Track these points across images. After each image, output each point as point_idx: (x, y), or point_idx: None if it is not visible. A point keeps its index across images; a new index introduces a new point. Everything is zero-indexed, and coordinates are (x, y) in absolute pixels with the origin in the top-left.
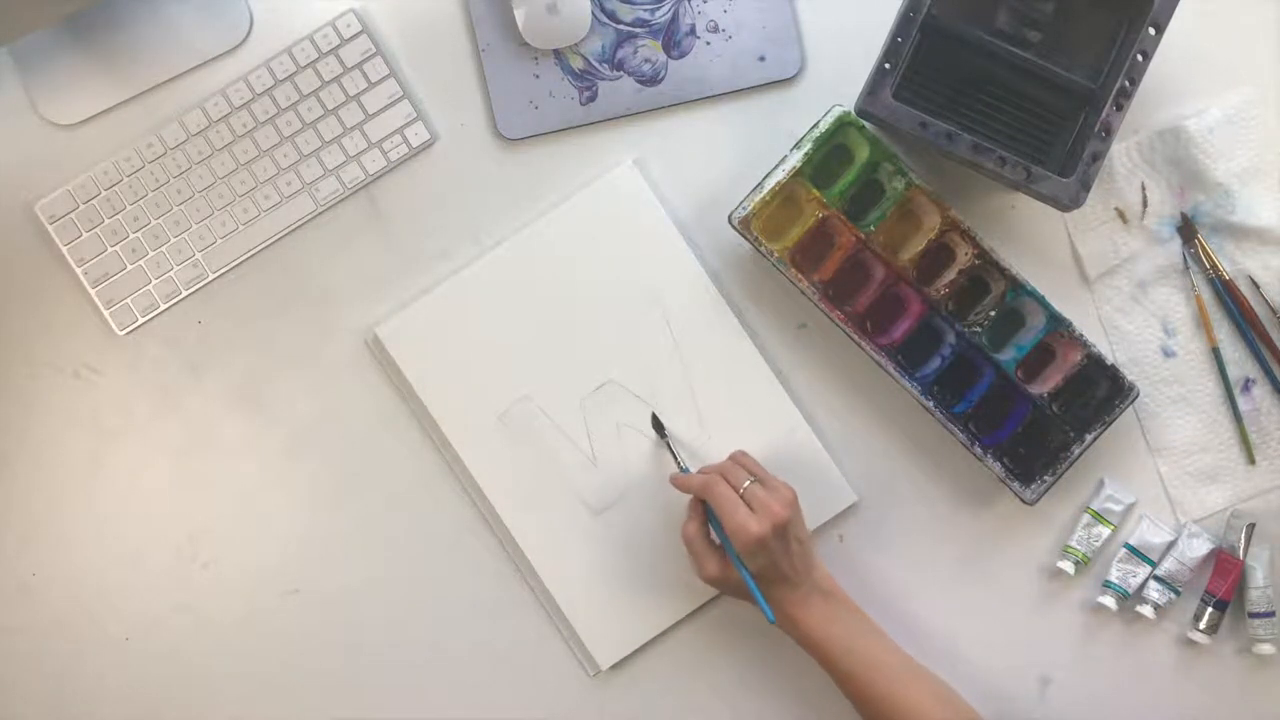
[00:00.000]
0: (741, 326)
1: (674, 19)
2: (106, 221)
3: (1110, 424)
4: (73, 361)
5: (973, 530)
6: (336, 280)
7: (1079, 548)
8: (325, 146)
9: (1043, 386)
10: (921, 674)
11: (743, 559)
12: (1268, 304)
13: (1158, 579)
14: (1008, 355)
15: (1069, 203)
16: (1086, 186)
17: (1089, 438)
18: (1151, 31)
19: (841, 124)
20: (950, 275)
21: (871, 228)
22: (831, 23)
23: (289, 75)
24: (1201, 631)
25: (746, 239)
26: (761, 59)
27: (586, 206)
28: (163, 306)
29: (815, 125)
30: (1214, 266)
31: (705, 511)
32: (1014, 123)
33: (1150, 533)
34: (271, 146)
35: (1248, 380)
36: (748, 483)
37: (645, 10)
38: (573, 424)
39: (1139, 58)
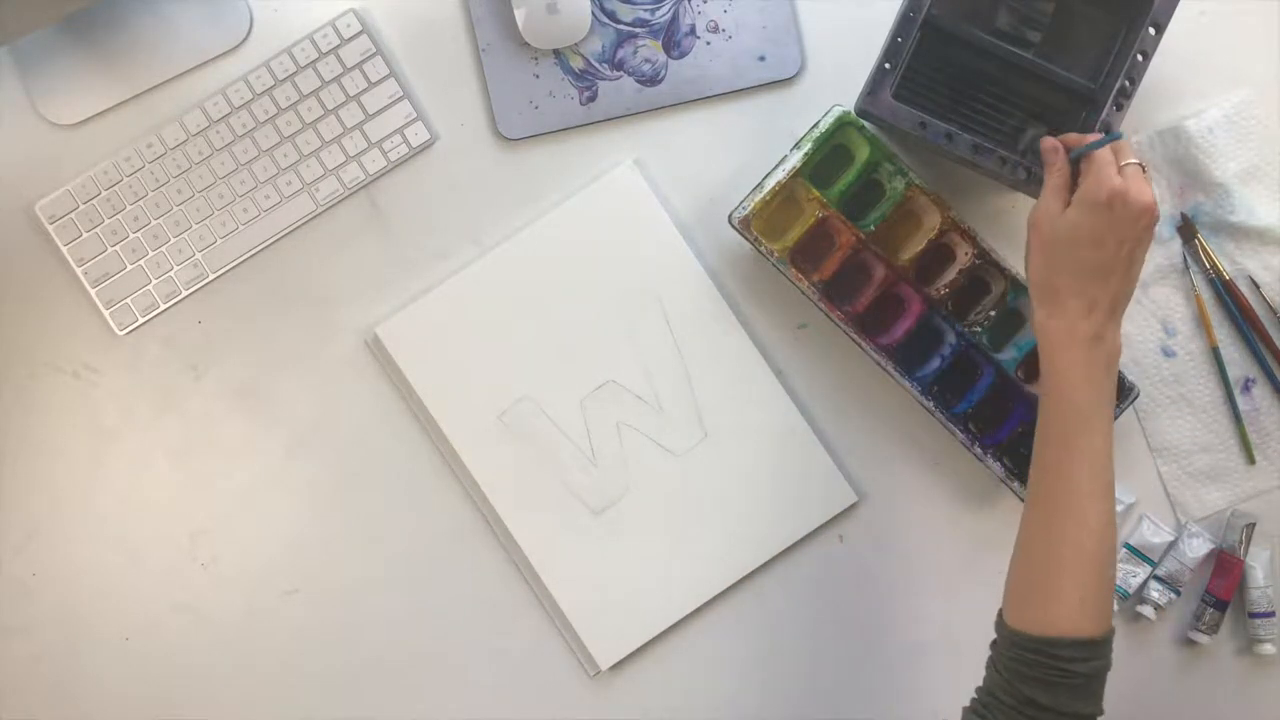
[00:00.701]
0: (741, 326)
1: (674, 19)
2: (106, 221)
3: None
4: (73, 361)
5: (973, 530)
6: (336, 280)
7: None
8: (325, 146)
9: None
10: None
11: (1115, 221)
12: (1268, 304)
13: (1158, 579)
14: (1008, 355)
15: None
16: None
17: None
18: (1151, 31)
19: (841, 124)
20: (950, 275)
21: (871, 228)
22: (831, 23)
23: (289, 75)
24: (1201, 631)
25: (746, 239)
26: (761, 59)
27: (586, 206)
28: (163, 306)
29: (815, 125)
30: (1214, 266)
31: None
32: (1014, 123)
33: (1150, 533)
34: (271, 146)
35: (1248, 380)
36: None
37: (645, 10)
38: (573, 424)
39: (1139, 58)
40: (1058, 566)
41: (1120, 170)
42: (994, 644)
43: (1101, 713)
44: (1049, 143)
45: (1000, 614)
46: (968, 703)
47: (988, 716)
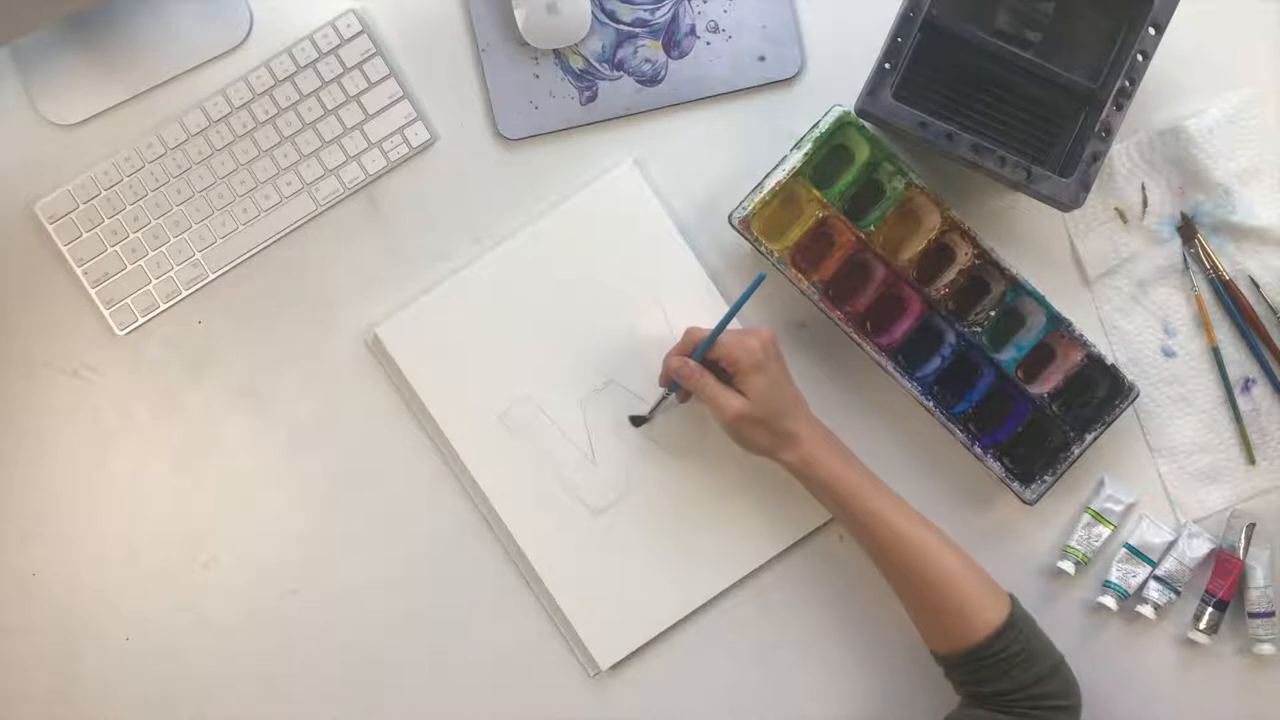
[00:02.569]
0: (741, 327)
1: (674, 19)
2: (106, 221)
3: (1110, 424)
4: (73, 361)
5: (973, 530)
6: (336, 280)
7: (1079, 548)
8: (325, 146)
9: (1043, 386)
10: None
11: (748, 422)
12: (1268, 304)
13: (1158, 579)
14: (1008, 355)
15: (1069, 203)
16: (1086, 186)
17: (1089, 438)
18: (1151, 31)
19: (841, 124)
20: (950, 275)
21: (871, 228)
22: (831, 23)
23: (289, 75)
24: (1201, 631)
25: (746, 239)
26: (761, 59)
27: (586, 206)
28: (163, 306)
29: (815, 125)
30: (1214, 266)
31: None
32: (1014, 123)
33: (1150, 533)
34: (271, 146)
35: (1248, 380)
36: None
37: (645, 10)
38: (573, 424)
39: (1139, 58)
40: (939, 592)
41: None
42: (945, 675)
43: (1060, 655)
44: (674, 365)
45: (931, 653)
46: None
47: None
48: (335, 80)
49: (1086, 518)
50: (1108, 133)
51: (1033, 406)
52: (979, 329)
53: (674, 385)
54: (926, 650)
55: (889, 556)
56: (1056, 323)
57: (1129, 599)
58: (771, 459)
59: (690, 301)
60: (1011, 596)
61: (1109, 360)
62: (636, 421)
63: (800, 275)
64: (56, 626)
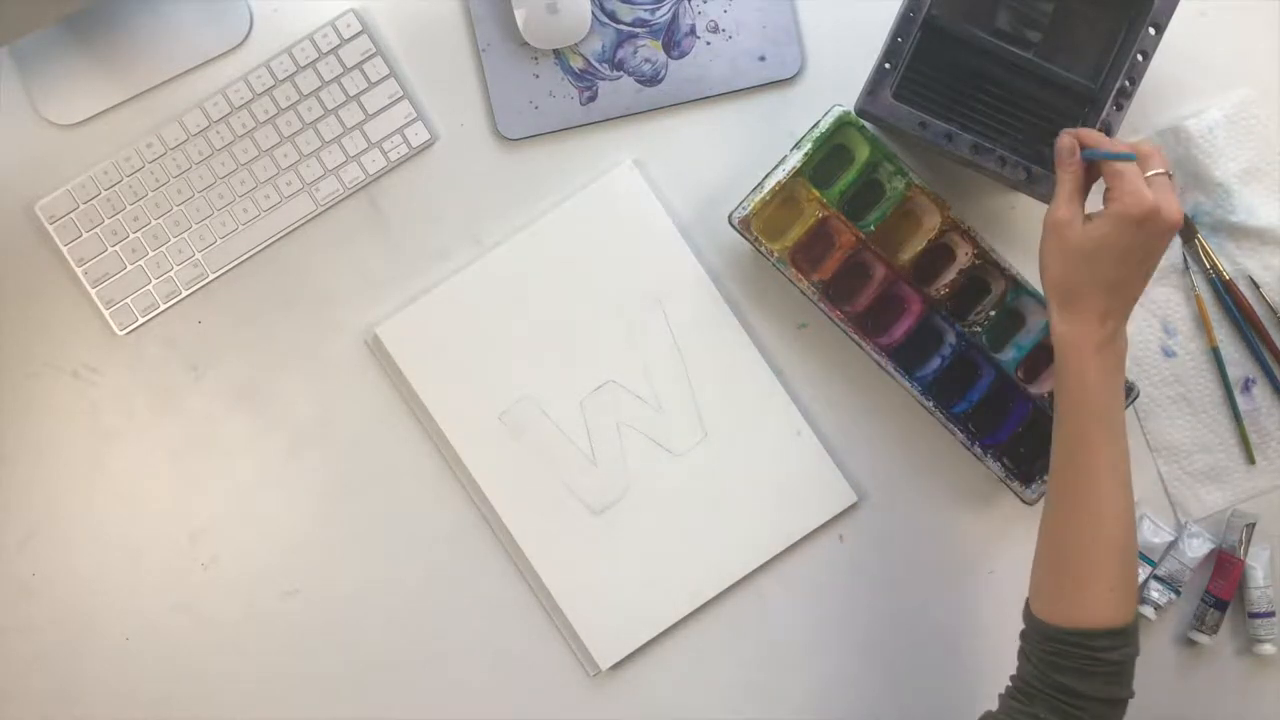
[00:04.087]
0: (741, 326)
1: (674, 19)
2: (106, 221)
3: None
4: (73, 361)
5: (973, 530)
6: (336, 280)
7: None
8: (325, 146)
9: (1043, 386)
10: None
11: (1143, 228)
12: (1268, 304)
13: (1158, 579)
14: (1008, 355)
15: None
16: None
17: None
18: (1151, 31)
19: (841, 124)
20: (950, 275)
21: (871, 228)
22: (831, 23)
23: (289, 75)
24: (1201, 631)
25: (746, 239)
26: (761, 59)
27: (586, 206)
28: (163, 306)
29: (815, 125)
30: (1214, 266)
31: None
32: (1014, 123)
33: (1150, 533)
34: (271, 146)
35: (1248, 380)
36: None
37: (645, 10)
38: (573, 424)
39: (1139, 58)
40: (1085, 560)
41: (1150, 182)
42: (1024, 634)
43: (1132, 694)
44: (1065, 143)
45: (1028, 606)
46: (1003, 690)
47: (1026, 705)
48: (335, 80)
49: None
50: (1108, 133)
51: (1033, 406)
52: (979, 329)
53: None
54: (926, 651)
55: (1065, 496)
56: None
57: None
58: (1050, 310)
59: (690, 301)
60: (1138, 613)
61: None
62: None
63: (800, 275)
64: (56, 626)
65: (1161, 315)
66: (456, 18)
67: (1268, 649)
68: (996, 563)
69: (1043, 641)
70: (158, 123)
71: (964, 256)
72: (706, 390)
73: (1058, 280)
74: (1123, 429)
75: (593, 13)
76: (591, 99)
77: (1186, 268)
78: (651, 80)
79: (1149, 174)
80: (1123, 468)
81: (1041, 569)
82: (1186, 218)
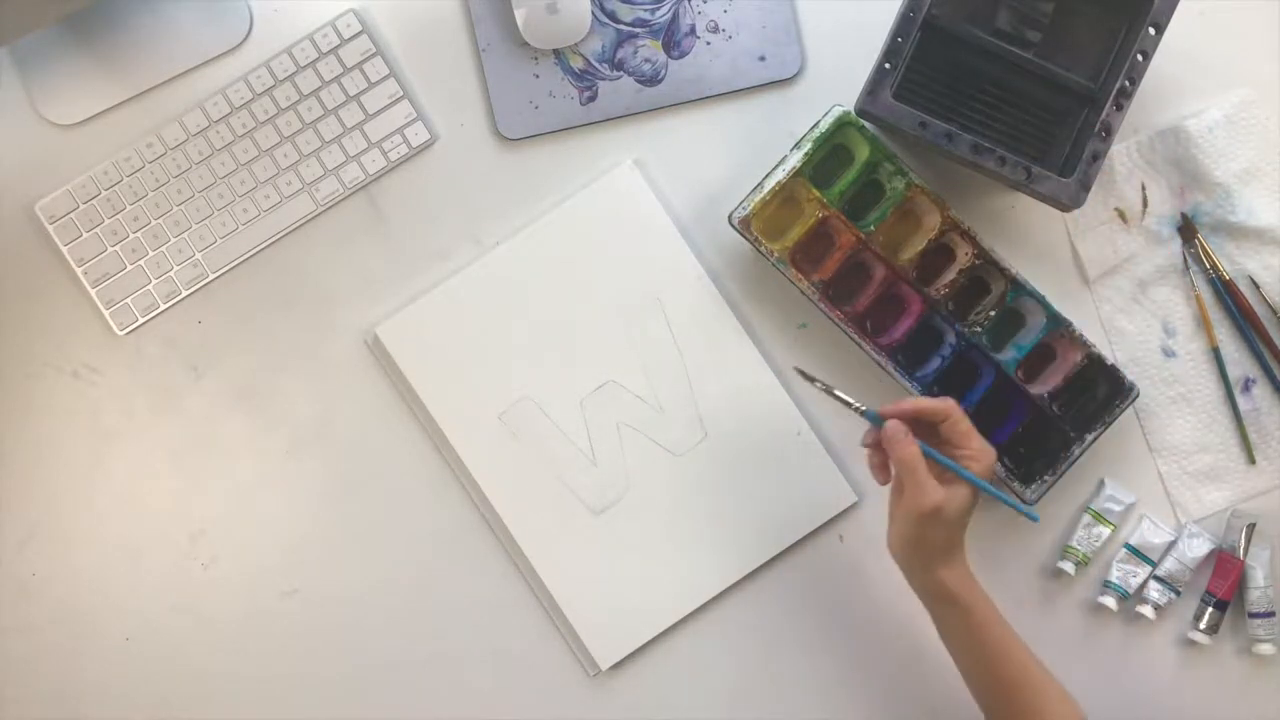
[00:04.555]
0: (741, 326)
1: (674, 19)
2: (106, 221)
3: (1110, 424)
4: (73, 361)
5: (973, 530)
6: (336, 280)
7: (1079, 548)
8: (325, 146)
9: (1043, 386)
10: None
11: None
12: (1268, 304)
13: (1158, 579)
14: (1008, 355)
15: (1069, 203)
16: (1086, 186)
17: (1089, 438)
18: (1151, 31)
19: (841, 124)
20: (950, 275)
21: (871, 228)
22: (831, 23)
23: (289, 75)
24: (1201, 631)
25: (746, 239)
26: (761, 59)
27: (586, 206)
28: (163, 306)
29: (815, 125)
30: (1214, 266)
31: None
32: (1014, 123)
33: (1150, 533)
34: (271, 146)
35: (1248, 380)
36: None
37: (645, 10)
38: (573, 424)
39: (1139, 58)
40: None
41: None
42: None
43: None
44: (895, 432)
45: None
46: None
47: None
48: (335, 80)
49: (1087, 518)
50: (1108, 133)
51: (1033, 406)
52: (979, 329)
53: (875, 419)
54: (926, 651)
55: (1008, 693)
56: (1056, 323)
57: (1129, 599)
58: (918, 568)
59: (690, 301)
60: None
61: (1109, 360)
62: (806, 376)
63: (800, 275)
64: (56, 626)
65: (1161, 315)
66: (456, 18)
67: (1267, 649)
68: (997, 563)
69: None
70: (158, 123)
71: (964, 256)
72: (706, 390)
73: (935, 550)
74: (997, 612)
75: (593, 13)
76: (591, 99)
77: (1186, 268)
78: (651, 80)
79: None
80: (1022, 641)
81: None
82: (1187, 218)
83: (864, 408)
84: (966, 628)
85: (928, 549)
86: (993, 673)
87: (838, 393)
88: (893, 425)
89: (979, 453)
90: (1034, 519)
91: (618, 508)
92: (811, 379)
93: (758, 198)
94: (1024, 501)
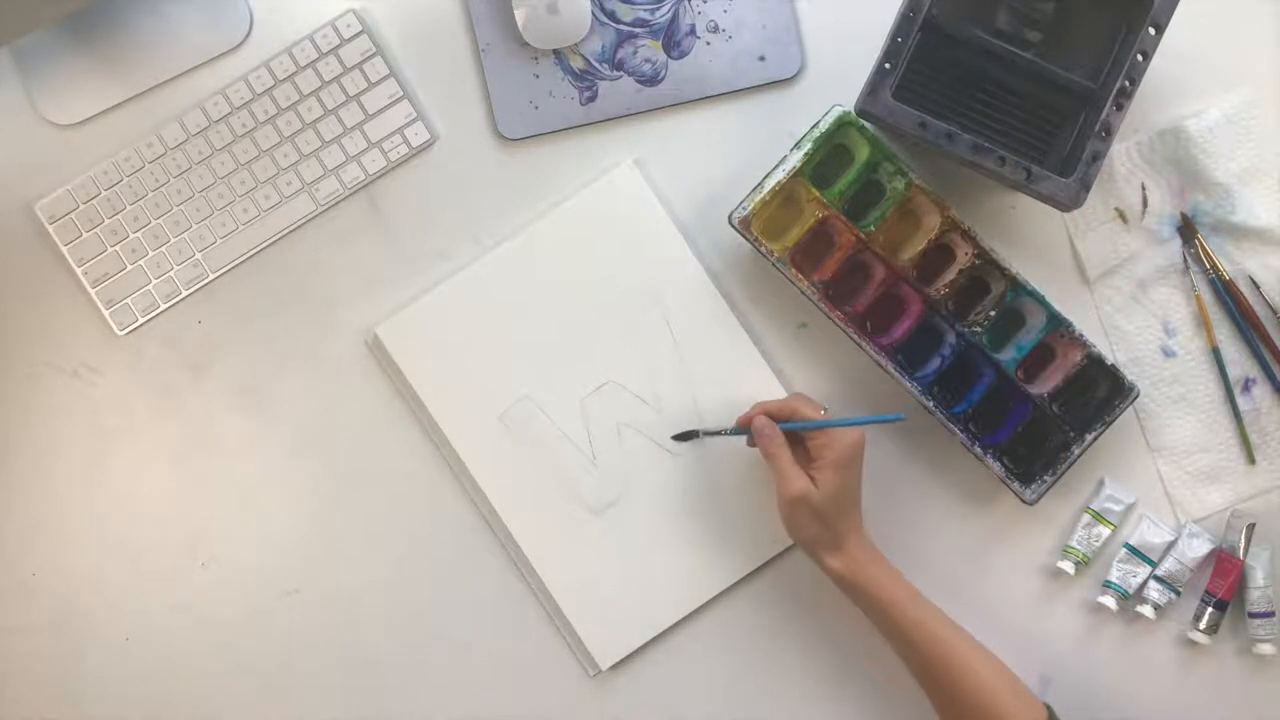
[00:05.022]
0: (741, 326)
1: (674, 19)
2: (106, 221)
3: (1110, 424)
4: (73, 361)
5: (973, 530)
6: (336, 280)
7: (1079, 548)
8: (325, 146)
9: (1043, 386)
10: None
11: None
12: (1268, 304)
13: (1158, 579)
14: (1008, 355)
15: (1069, 203)
16: (1086, 186)
17: (1089, 438)
18: (1151, 31)
19: (841, 124)
20: (950, 275)
21: (871, 228)
22: (831, 23)
23: (289, 75)
24: (1201, 631)
25: (746, 239)
26: (761, 59)
27: (586, 206)
28: (163, 306)
29: (815, 125)
30: (1214, 266)
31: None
32: (1014, 123)
33: (1150, 533)
34: (271, 146)
35: (1248, 380)
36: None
37: (645, 10)
38: (573, 424)
39: (1139, 58)
40: (982, 701)
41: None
42: None
43: None
44: (761, 424)
45: None
46: None
47: None
48: (335, 80)
49: (1086, 518)
50: (1108, 133)
51: (1033, 406)
52: (979, 329)
53: (746, 432)
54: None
55: (930, 667)
56: (1056, 323)
57: (1129, 599)
58: (813, 557)
59: (690, 302)
60: (1048, 706)
61: (1109, 360)
62: (683, 437)
63: (800, 275)
64: (56, 626)
65: (1161, 315)
66: (456, 18)
67: (1267, 649)
68: (997, 563)
69: None
70: (158, 123)
71: (964, 256)
72: (706, 390)
73: (816, 537)
74: (911, 591)
75: (593, 13)
76: (591, 99)
77: (1186, 268)
78: (651, 80)
79: (824, 411)
80: (944, 615)
81: None
82: (1186, 218)
83: (730, 429)
84: (878, 612)
85: (809, 538)
86: (915, 654)
87: (706, 431)
88: (759, 421)
89: (832, 436)
90: (899, 419)
91: (618, 508)
92: (687, 437)
93: (758, 198)
94: (1024, 501)
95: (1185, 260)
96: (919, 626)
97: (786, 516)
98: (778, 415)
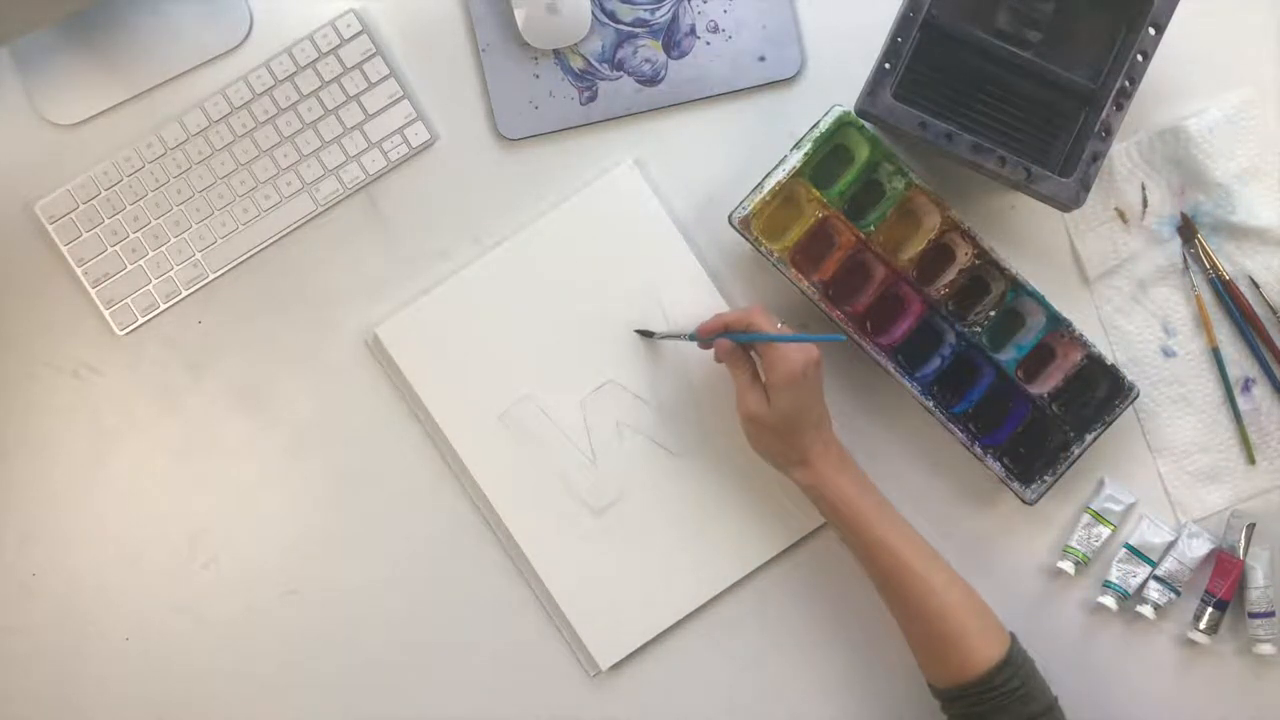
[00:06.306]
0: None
1: (674, 19)
2: (106, 221)
3: (1110, 424)
4: (73, 361)
5: (973, 530)
6: (336, 280)
7: (1079, 548)
8: (325, 146)
9: (1043, 386)
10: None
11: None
12: (1268, 304)
13: (1158, 579)
14: (1008, 355)
15: (1069, 203)
16: (1086, 186)
17: (1089, 438)
18: (1151, 31)
19: (841, 124)
20: (950, 275)
21: (871, 228)
22: (831, 23)
23: (289, 75)
24: (1201, 631)
25: (746, 239)
26: (761, 59)
27: (586, 206)
28: (163, 306)
29: (815, 125)
30: (1214, 266)
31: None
32: (1014, 123)
33: (1150, 533)
34: (271, 146)
35: (1248, 380)
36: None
37: (645, 10)
38: (573, 424)
39: (1139, 58)
40: (944, 625)
41: (781, 332)
42: (941, 708)
43: (1055, 697)
44: (724, 344)
45: (929, 685)
46: None
47: None
48: (335, 80)
49: (1086, 518)
50: (1108, 133)
51: (1033, 406)
52: (979, 329)
53: (701, 339)
54: None
55: (893, 586)
56: (1056, 323)
57: (1129, 599)
58: (781, 471)
59: (690, 302)
60: (1012, 635)
61: (1109, 360)
62: (644, 334)
63: (800, 275)
64: (56, 626)
65: (1161, 315)
66: (456, 18)
67: (1267, 649)
68: (997, 563)
69: (954, 703)
70: (158, 123)
71: (964, 256)
72: (707, 390)
73: (779, 452)
74: (888, 504)
75: (593, 13)
76: (591, 99)
77: (1186, 268)
78: (651, 80)
79: (780, 326)
80: (914, 535)
81: (917, 648)
82: (1186, 218)
83: (689, 335)
84: (844, 527)
85: (769, 452)
86: (878, 571)
87: (662, 334)
88: (721, 340)
89: (778, 355)
90: (839, 339)
91: (618, 508)
92: (649, 334)
93: (758, 198)
94: (1024, 501)
95: (1185, 260)
96: (882, 544)
97: (747, 434)
98: (734, 325)
